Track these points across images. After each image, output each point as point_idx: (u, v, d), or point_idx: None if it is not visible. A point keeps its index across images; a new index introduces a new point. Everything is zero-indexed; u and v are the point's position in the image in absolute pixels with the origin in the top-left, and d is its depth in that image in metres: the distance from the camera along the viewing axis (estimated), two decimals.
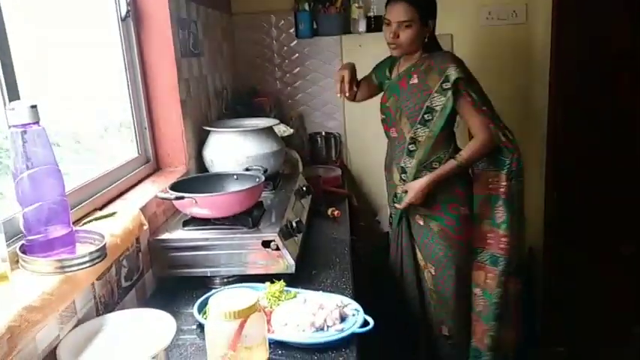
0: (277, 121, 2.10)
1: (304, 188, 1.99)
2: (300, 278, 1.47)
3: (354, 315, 1.25)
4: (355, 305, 1.29)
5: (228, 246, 1.46)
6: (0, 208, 1.11)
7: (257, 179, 1.62)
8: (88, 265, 1.00)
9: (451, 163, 1.92)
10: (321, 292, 1.37)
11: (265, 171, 1.75)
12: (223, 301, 0.97)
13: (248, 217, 1.51)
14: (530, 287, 2.90)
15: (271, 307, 1.26)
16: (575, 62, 2.65)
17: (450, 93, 1.85)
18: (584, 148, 2.71)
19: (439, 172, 1.93)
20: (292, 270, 1.44)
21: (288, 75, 2.90)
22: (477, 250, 2.04)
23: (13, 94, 1.09)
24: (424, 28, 1.88)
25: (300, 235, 1.60)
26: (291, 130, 2.51)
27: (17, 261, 0.98)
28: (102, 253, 1.03)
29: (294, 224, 1.58)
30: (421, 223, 2.06)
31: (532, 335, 2.84)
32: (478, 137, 1.89)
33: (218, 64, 2.44)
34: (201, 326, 1.22)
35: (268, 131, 1.98)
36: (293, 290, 1.34)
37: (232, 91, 2.68)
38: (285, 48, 2.86)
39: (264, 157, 1.90)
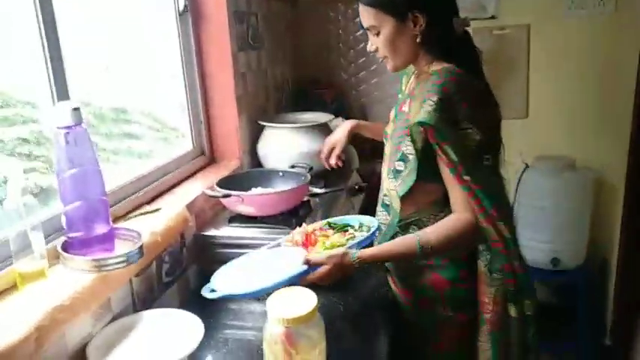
0: (332, 117, 2.05)
1: (356, 187, 1.95)
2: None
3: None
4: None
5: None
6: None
7: (302, 177, 1.60)
8: (124, 265, 1.03)
9: (411, 244, 1.19)
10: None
11: (310, 169, 1.72)
12: (282, 302, 0.93)
13: (292, 218, 1.50)
14: (602, 301, 2.69)
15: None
16: None
17: (419, 141, 1.20)
18: None
19: (388, 250, 1.22)
20: None
21: (352, 65, 2.82)
22: None
23: (63, 94, 1.13)
24: (404, 26, 1.22)
25: None
26: None
27: (58, 257, 1.02)
28: (139, 253, 1.06)
29: None
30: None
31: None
32: (459, 217, 1.19)
33: (279, 56, 2.43)
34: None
35: (323, 127, 1.94)
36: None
37: (294, 81, 2.67)
38: (351, 37, 2.79)
39: (316, 153, 1.86)
